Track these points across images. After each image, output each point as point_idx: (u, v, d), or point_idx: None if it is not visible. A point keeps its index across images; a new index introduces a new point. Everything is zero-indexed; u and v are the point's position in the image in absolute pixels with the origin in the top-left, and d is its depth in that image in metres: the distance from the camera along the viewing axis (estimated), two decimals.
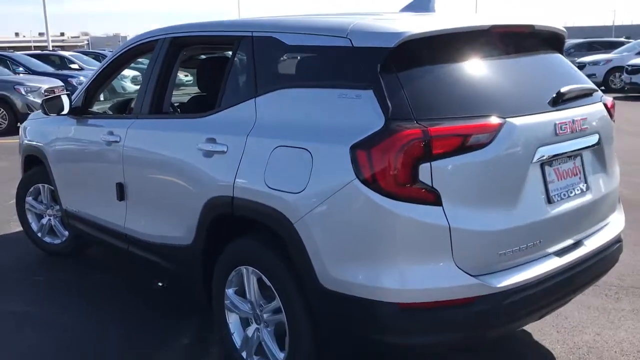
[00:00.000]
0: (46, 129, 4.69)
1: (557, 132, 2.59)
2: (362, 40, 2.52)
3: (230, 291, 3.04)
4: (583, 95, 2.87)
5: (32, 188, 5.05)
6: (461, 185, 2.37)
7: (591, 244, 2.86)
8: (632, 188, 6.70)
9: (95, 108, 4.53)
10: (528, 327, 3.66)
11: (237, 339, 3.05)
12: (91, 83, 4.28)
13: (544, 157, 2.57)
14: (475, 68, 2.62)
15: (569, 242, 2.77)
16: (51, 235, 5.06)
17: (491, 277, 2.43)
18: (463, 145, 2.34)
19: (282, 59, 2.94)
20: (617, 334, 3.57)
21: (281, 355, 2.82)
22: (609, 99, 3.15)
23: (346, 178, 2.38)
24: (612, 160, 3.08)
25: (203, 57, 4.26)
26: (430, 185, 2.31)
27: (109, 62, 4.21)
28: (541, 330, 3.64)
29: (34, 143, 4.83)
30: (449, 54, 2.56)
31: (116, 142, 3.77)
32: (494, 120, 2.40)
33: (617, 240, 3.07)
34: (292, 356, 2.74)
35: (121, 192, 3.76)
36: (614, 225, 3.10)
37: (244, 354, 3.01)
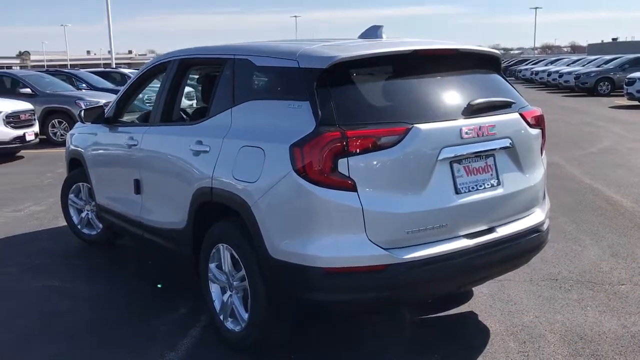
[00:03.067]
0: (85, 136, 5.55)
1: (462, 136, 3.18)
2: (306, 62, 3.20)
3: (212, 265, 3.74)
4: (497, 107, 3.43)
5: (73, 186, 5.94)
6: (374, 176, 3.01)
7: (503, 231, 3.41)
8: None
9: (126, 118, 5.35)
10: (476, 309, 4.21)
11: (217, 305, 3.74)
12: (121, 97, 5.11)
13: (450, 156, 3.16)
14: (394, 85, 3.26)
15: (481, 227, 3.34)
16: (88, 227, 5.92)
17: (399, 250, 3.04)
18: (375, 144, 2.98)
19: (252, 76, 3.65)
20: (553, 317, 4.05)
21: (245, 315, 3.49)
22: (535, 111, 3.70)
23: (286, 170, 3.05)
24: (531, 162, 3.61)
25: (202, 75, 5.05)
26: (348, 175, 2.95)
27: (134, 80, 5.03)
28: (487, 311, 4.17)
29: (76, 148, 5.71)
30: (373, 73, 3.22)
31: (135, 145, 4.57)
32: (402, 125, 3.03)
33: (535, 231, 3.60)
34: (252, 315, 3.41)
35: (138, 186, 4.54)
36: (533, 217, 3.63)
37: (221, 317, 3.70)
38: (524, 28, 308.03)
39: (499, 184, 3.39)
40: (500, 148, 3.39)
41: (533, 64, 45.13)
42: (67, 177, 6.06)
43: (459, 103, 3.29)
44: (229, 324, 3.62)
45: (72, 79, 17.72)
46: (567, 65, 34.56)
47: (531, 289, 4.56)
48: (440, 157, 3.13)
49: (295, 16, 79.26)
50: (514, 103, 3.54)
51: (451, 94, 3.37)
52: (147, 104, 10.39)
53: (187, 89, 15.17)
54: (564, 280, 4.70)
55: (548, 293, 4.47)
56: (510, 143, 3.42)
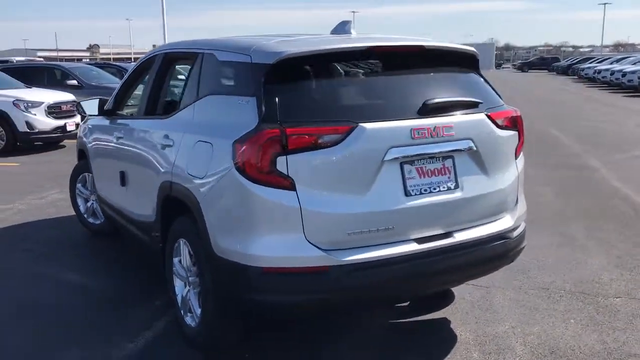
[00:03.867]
0: (90, 127, 5.67)
1: (413, 136, 3.05)
2: (257, 58, 3.14)
3: (175, 260, 3.74)
4: (459, 107, 3.28)
5: (80, 176, 6.09)
6: (314, 175, 2.92)
7: (462, 237, 3.26)
8: None
9: (126, 111, 5.43)
10: (452, 315, 4.07)
11: (179, 300, 3.75)
12: (119, 90, 5.19)
13: (399, 157, 3.04)
14: (344, 82, 3.16)
15: (436, 231, 3.20)
16: (94, 216, 6.05)
17: (340, 252, 2.95)
18: (315, 143, 2.89)
19: (214, 71, 3.61)
20: (530, 329, 3.86)
21: (199, 311, 3.48)
22: (508, 112, 3.52)
23: (228, 166, 3.01)
24: (499, 165, 3.43)
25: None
26: (286, 174, 2.88)
27: (129, 74, 5.10)
28: (462, 319, 4.01)
29: (81, 139, 5.85)
30: (323, 70, 3.13)
31: (121, 138, 4.63)
32: (345, 124, 2.93)
33: (501, 237, 3.42)
34: (203, 312, 3.40)
35: (123, 179, 4.61)
36: (500, 223, 3.45)
37: (182, 312, 3.70)
38: (595, 25, 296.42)
39: (457, 187, 3.24)
40: (460, 150, 3.24)
41: (597, 62, 43.36)
42: (75, 167, 6.22)
43: (415, 102, 3.16)
44: (188, 319, 3.62)
45: (121, 71, 18.22)
46: (633, 64, 32.99)
47: (517, 297, 4.37)
48: (386, 158, 3.01)
49: (354, 11, 78.94)
50: (480, 103, 3.37)
51: (407, 93, 3.24)
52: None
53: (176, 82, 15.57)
54: (555, 290, 4.48)
55: (533, 303, 4.27)
56: (472, 145, 3.26)
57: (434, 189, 3.17)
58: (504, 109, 3.52)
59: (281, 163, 2.88)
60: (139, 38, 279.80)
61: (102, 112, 5.24)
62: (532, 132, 14.00)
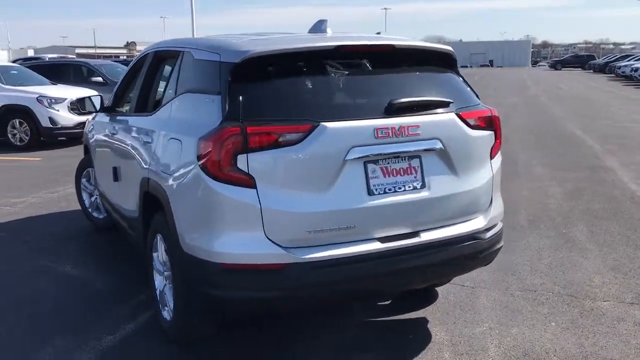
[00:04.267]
0: (94, 123, 5.81)
1: (377, 135, 3.05)
2: (225, 56, 3.18)
3: (155, 255, 3.82)
4: (426, 106, 3.26)
5: (85, 171, 6.23)
6: (274, 173, 2.95)
7: (428, 236, 3.24)
8: None
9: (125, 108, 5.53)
10: (431, 314, 4.05)
11: (158, 294, 3.82)
12: (118, 87, 5.30)
13: (362, 156, 3.04)
14: (310, 81, 3.17)
15: (401, 231, 3.19)
16: (97, 210, 6.19)
17: (300, 250, 2.97)
18: (276, 142, 2.92)
19: (191, 69, 3.67)
20: (508, 330, 3.82)
21: (172, 305, 3.54)
22: (483, 112, 3.48)
23: (193, 163, 3.06)
24: (471, 165, 3.40)
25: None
26: (247, 172, 2.91)
27: (127, 71, 5.20)
28: (441, 318, 4.00)
29: (86, 134, 5.99)
30: (289, 69, 3.14)
31: (114, 134, 4.73)
32: (306, 123, 2.95)
33: (471, 238, 3.39)
34: (175, 306, 3.46)
35: (115, 174, 4.71)
36: (471, 224, 3.42)
37: (160, 306, 3.77)
38: (638, 21, 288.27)
39: (423, 186, 3.23)
40: (428, 150, 3.22)
41: (635, 60, 42.21)
42: (80, 161, 6.37)
43: (381, 102, 3.16)
44: (165, 313, 3.69)
45: None
46: None
47: (501, 298, 4.32)
48: (348, 157, 3.01)
49: (385, 8, 78.45)
50: (450, 102, 3.35)
51: (374, 93, 3.25)
52: None
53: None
54: (542, 292, 4.42)
55: (518, 304, 4.22)
56: (440, 145, 3.24)
57: (399, 188, 3.17)
58: (478, 109, 3.48)
59: (242, 161, 2.91)
60: (174, 36, 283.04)
61: (102, 108, 5.36)
62: (554, 131, 13.80)
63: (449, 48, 3.58)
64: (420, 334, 3.81)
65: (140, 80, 4.57)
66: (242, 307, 3.15)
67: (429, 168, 3.25)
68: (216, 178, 2.94)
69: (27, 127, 11.79)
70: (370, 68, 3.30)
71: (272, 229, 2.95)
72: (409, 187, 3.19)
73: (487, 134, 3.51)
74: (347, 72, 3.24)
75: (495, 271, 4.83)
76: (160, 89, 4.30)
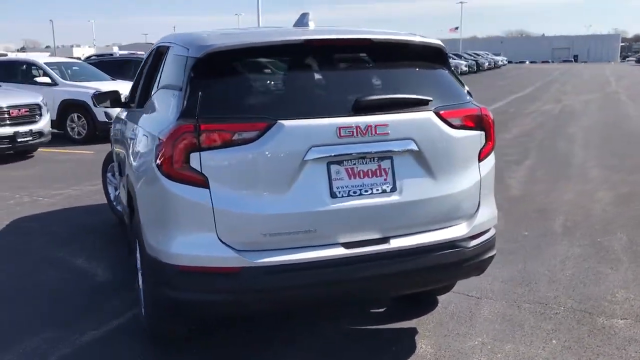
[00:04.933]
0: (115, 117, 5.89)
1: (339, 135, 2.86)
2: (193, 51, 3.09)
3: (137, 254, 3.79)
4: (400, 104, 3.03)
5: (109, 165, 6.34)
6: (228, 173, 2.82)
7: (399, 243, 3.02)
8: None
9: None
10: (423, 325, 3.81)
11: (140, 294, 3.79)
12: (134, 82, 5.34)
13: (323, 156, 2.86)
14: (272, 77, 3.04)
15: (368, 236, 2.99)
16: (121, 204, 6.28)
17: (254, 253, 2.83)
18: (230, 140, 2.79)
19: (169, 64, 3.60)
20: (502, 346, 3.54)
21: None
22: (470, 110, 3.22)
23: (152, 160, 2.99)
24: (452, 167, 3.15)
25: None
26: (200, 170, 2.80)
27: (141, 66, 5.23)
28: (433, 330, 3.76)
29: (111, 129, 6.09)
30: (252, 64, 3.02)
31: (121, 129, 4.77)
32: (262, 121, 2.80)
33: (451, 246, 3.14)
34: (144, 305, 3.42)
35: (119, 169, 4.74)
36: (451, 231, 3.17)
37: (141, 306, 3.74)
38: None
39: (393, 189, 3.01)
40: (399, 151, 3.01)
41: None
42: (105, 155, 6.49)
43: (348, 100, 2.97)
44: (143, 311, 3.66)
45: None
46: None
47: (506, 311, 4.02)
48: (308, 157, 2.85)
49: (461, 2, 76.59)
50: (429, 100, 3.10)
51: (343, 90, 3.06)
52: None
53: None
54: (553, 306, 4.08)
55: (521, 318, 3.91)
56: (414, 146, 3.02)
57: (366, 191, 2.97)
58: (464, 107, 3.22)
59: (195, 159, 2.81)
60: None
61: (121, 103, 5.42)
62: (624, 131, 12.96)
63: (438, 42, 3.33)
64: (404, 345, 3.59)
65: (142, 75, 4.57)
66: (198, 310, 3.04)
67: (402, 170, 3.03)
68: (169, 177, 2.86)
69: (85, 122, 12.22)
70: (343, 64, 3.12)
71: (225, 231, 2.83)
72: (378, 190, 2.99)
73: (475, 134, 3.25)
74: (316, 68, 3.08)
75: (508, 281, 4.53)
76: (151, 84, 4.28)
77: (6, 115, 9.95)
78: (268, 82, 3.05)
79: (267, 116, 2.83)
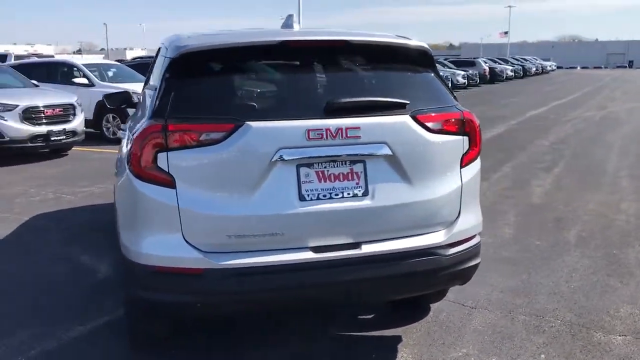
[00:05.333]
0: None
1: (308, 137, 2.82)
2: (169, 52, 3.10)
3: None
4: (374, 107, 2.97)
5: None
6: (194, 173, 2.82)
7: (371, 249, 2.96)
8: None
9: None
10: (409, 334, 3.73)
11: None
12: (144, 84, 5.43)
13: (292, 159, 2.83)
14: (243, 78, 3.01)
15: (338, 241, 2.94)
16: None
17: (220, 255, 2.82)
18: (197, 140, 2.79)
19: (156, 64, 3.64)
20: (485, 359, 3.43)
21: None
22: (451, 114, 3.14)
23: (126, 160, 3.02)
24: (430, 173, 3.06)
25: None
26: (167, 171, 2.81)
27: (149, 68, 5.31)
28: (419, 339, 3.68)
29: None
30: (222, 66, 3.01)
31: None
32: (230, 122, 2.79)
33: (427, 254, 3.05)
34: (124, 305, 3.44)
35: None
36: (427, 237, 3.08)
37: None
38: None
39: (365, 194, 2.95)
40: (372, 155, 2.95)
41: None
42: None
43: (320, 102, 2.92)
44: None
45: None
46: None
47: (499, 322, 3.90)
48: (275, 159, 2.82)
49: (510, 6, 75.24)
50: (405, 103, 3.03)
51: (315, 92, 3.02)
52: None
53: None
54: (550, 319, 3.93)
55: (513, 330, 3.78)
56: (388, 150, 2.95)
57: (336, 195, 2.92)
58: (445, 111, 3.14)
59: (162, 159, 2.81)
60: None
61: (132, 104, 5.51)
62: None
63: (421, 45, 3.25)
64: (385, 353, 3.52)
65: (150, 75, 4.64)
66: (168, 311, 3.04)
67: (375, 174, 2.97)
68: (139, 176, 2.87)
69: (119, 122, 12.50)
70: (319, 66, 3.08)
71: (191, 231, 2.83)
72: (349, 194, 2.94)
73: (456, 139, 3.16)
74: (290, 70, 3.05)
75: (508, 291, 4.40)
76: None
77: (42, 115, 10.26)
78: (240, 83, 3.04)
79: (236, 117, 2.82)
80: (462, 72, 32.44)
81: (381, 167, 2.98)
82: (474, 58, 41.77)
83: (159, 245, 2.87)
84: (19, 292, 4.47)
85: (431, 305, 4.11)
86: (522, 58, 56.42)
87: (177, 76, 2.97)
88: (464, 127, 3.18)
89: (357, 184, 2.95)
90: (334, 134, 2.86)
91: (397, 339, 3.68)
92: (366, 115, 2.94)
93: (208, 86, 2.99)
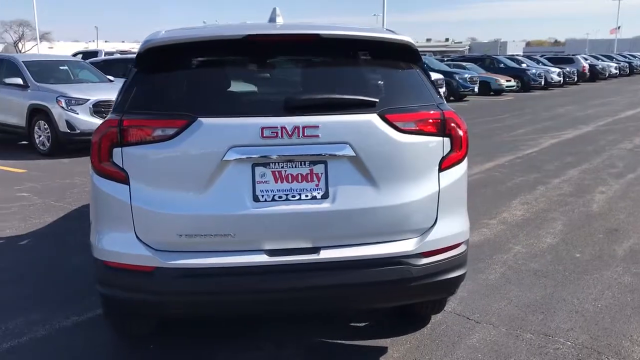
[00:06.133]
0: None
1: (262, 135, 2.69)
2: (142, 47, 3.07)
3: None
4: (338, 105, 2.79)
5: None
6: (147, 169, 2.76)
7: (330, 254, 2.79)
8: None
9: None
10: (396, 345, 3.53)
11: None
12: None
13: (245, 157, 2.70)
14: (202, 73, 2.91)
15: (295, 245, 2.80)
16: None
17: (169, 254, 2.75)
18: (150, 136, 2.74)
19: None
20: None
21: None
22: (431, 114, 2.90)
23: None
24: (399, 176, 2.84)
25: None
26: (121, 166, 2.78)
27: None
28: (406, 353, 3.46)
29: None
30: (184, 61, 2.93)
31: None
32: (181, 117, 2.71)
33: (394, 262, 2.84)
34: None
35: None
36: (395, 245, 2.86)
37: None
38: None
39: (325, 196, 2.78)
40: (333, 155, 2.77)
41: None
42: None
43: (278, 99, 2.79)
44: None
45: None
46: None
47: (501, 339, 3.59)
48: (227, 158, 2.71)
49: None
50: (374, 101, 2.82)
51: (276, 88, 2.90)
52: None
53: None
54: (559, 340, 3.57)
55: (512, 350, 3.46)
56: (350, 150, 2.77)
57: (293, 196, 2.77)
58: (420, 110, 2.90)
59: (117, 155, 2.79)
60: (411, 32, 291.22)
61: None
62: None
63: (403, 38, 3.01)
64: None
65: None
66: (125, 308, 3.01)
67: (337, 176, 2.80)
68: (97, 172, 2.86)
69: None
70: (285, 61, 2.94)
71: (143, 229, 2.78)
72: (307, 195, 2.78)
73: (433, 140, 2.91)
74: (253, 65, 2.93)
75: (525, 306, 4.06)
76: None
77: (111, 109, 10.63)
78: (202, 78, 2.94)
79: (190, 113, 2.74)
80: (557, 70, 30.79)
81: (344, 169, 2.80)
82: (573, 55, 39.49)
83: (113, 241, 2.85)
84: (30, 279, 4.62)
85: (433, 316, 3.86)
86: (630, 55, 52.82)
87: (142, 71, 2.94)
88: (444, 128, 2.93)
89: (317, 185, 2.79)
90: (290, 133, 2.71)
91: (381, 351, 3.47)
92: (326, 114, 2.76)
93: (169, 81, 2.94)
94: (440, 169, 2.95)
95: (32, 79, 10.94)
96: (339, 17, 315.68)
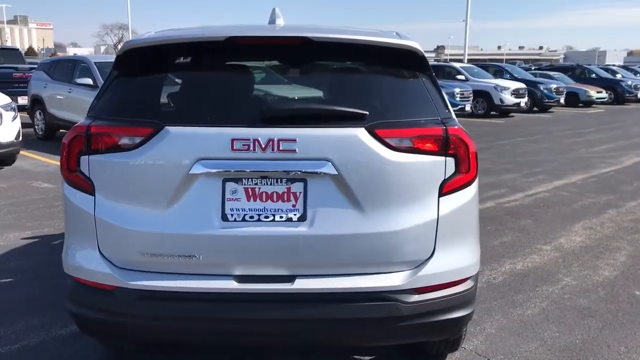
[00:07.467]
0: None
1: (232, 148, 2.41)
2: (121, 49, 2.86)
3: None
4: (320, 117, 2.47)
5: None
6: (112, 180, 2.54)
7: (306, 284, 2.47)
8: None
9: None
10: None
11: None
12: None
13: (213, 171, 2.43)
14: (177, 77, 2.68)
15: (267, 271, 2.50)
16: None
17: (131, 273, 2.53)
18: (116, 145, 2.52)
19: None
20: None
21: None
22: (430, 129, 2.52)
23: None
24: (388, 200, 2.48)
25: None
26: (88, 176, 2.58)
27: None
28: None
29: None
30: (161, 64, 2.70)
31: None
32: (148, 125, 2.48)
33: (380, 298, 2.47)
34: None
35: None
36: (381, 278, 2.50)
37: None
38: None
39: (302, 219, 2.46)
40: (313, 173, 2.45)
41: None
42: None
43: (256, 108, 2.52)
44: None
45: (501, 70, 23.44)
46: None
47: None
48: (194, 171, 2.44)
49: None
50: (363, 114, 2.47)
51: (255, 96, 2.62)
52: None
53: None
54: None
55: None
56: (332, 168, 2.43)
57: (266, 217, 2.48)
58: (418, 125, 2.52)
59: (84, 163, 2.59)
60: (479, 40, 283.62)
61: None
62: None
63: (409, 43, 2.64)
64: None
65: None
66: (88, 327, 2.80)
67: (318, 197, 2.47)
68: (66, 180, 2.69)
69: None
70: (270, 66, 2.65)
71: (105, 244, 2.58)
72: (281, 217, 2.47)
73: (433, 160, 2.53)
74: (233, 70, 2.66)
75: (558, 350, 3.58)
76: None
77: None
78: (177, 83, 2.71)
79: (157, 121, 2.50)
80: None
81: (325, 189, 2.47)
82: None
83: (78, 255, 2.67)
84: (36, 283, 4.50)
85: (450, 354, 3.45)
86: None
87: (119, 74, 2.74)
88: (448, 147, 2.54)
89: (294, 206, 2.48)
90: (264, 146, 2.42)
91: None
92: (304, 127, 2.45)
93: (143, 85, 2.71)
94: (441, 194, 2.56)
95: (102, 79, 11.21)
96: (424, 25, 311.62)
